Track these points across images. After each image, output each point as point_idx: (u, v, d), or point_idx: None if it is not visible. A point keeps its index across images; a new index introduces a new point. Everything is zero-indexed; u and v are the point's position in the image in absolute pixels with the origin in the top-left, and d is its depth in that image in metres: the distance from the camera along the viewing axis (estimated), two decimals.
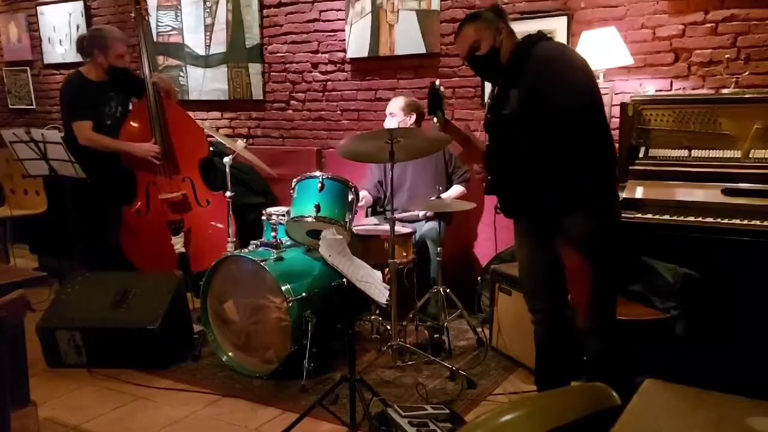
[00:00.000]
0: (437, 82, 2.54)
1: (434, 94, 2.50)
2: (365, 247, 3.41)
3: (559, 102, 2.24)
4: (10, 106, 6.83)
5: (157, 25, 5.58)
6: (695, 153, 3.12)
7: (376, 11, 4.49)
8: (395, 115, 3.99)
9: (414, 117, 4.03)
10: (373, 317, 3.67)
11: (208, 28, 5.32)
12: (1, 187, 5.63)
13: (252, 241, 3.54)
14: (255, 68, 5.16)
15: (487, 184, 2.56)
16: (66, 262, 4.40)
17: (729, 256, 2.84)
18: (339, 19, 4.72)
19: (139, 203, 4.18)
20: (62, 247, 4.45)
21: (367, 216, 4.26)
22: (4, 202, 5.58)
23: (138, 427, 2.90)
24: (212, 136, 4.33)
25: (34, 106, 6.65)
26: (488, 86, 4.14)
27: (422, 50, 4.36)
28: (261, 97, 5.20)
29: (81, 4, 6.00)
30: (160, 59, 5.60)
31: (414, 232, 3.68)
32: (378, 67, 4.62)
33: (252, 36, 5.13)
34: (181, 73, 5.51)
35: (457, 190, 4.03)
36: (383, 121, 4.21)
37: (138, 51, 4.26)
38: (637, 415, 1.36)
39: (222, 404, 3.09)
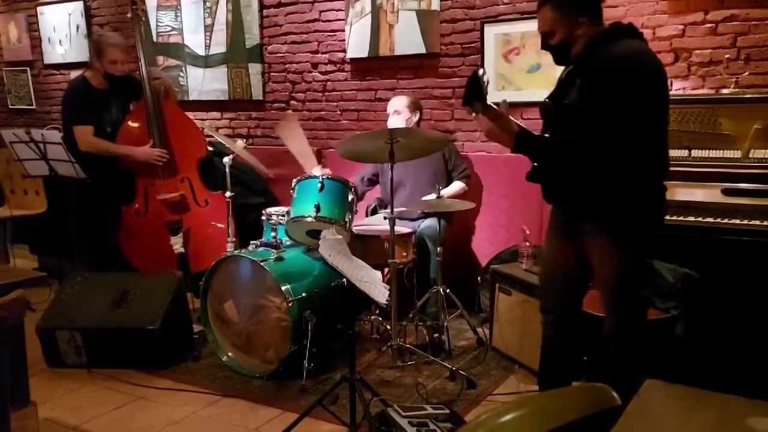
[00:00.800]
0: (481, 70, 2.30)
1: (474, 83, 2.27)
2: (365, 247, 3.40)
3: (621, 110, 2.13)
4: (10, 107, 6.83)
5: (157, 25, 5.57)
6: (695, 153, 3.13)
7: (376, 11, 4.49)
8: (401, 112, 3.99)
9: (418, 115, 4.03)
10: (373, 317, 3.67)
11: (208, 29, 5.32)
12: (1, 187, 5.63)
13: (252, 241, 3.54)
14: (255, 68, 5.16)
15: (531, 169, 2.40)
16: (66, 262, 4.40)
17: (729, 256, 2.84)
18: (339, 20, 4.72)
19: (137, 204, 4.18)
20: (62, 247, 4.45)
21: (367, 215, 4.25)
22: (4, 202, 5.58)
23: (138, 427, 2.90)
24: (212, 136, 4.33)
25: (34, 107, 6.65)
26: (488, 87, 4.14)
27: (422, 50, 4.36)
28: (261, 98, 5.19)
29: (81, 4, 6.00)
30: (160, 59, 5.60)
31: (414, 232, 3.68)
32: (378, 67, 4.62)
33: (252, 36, 5.13)
34: (181, 74, 5.51)
35: (457, 186, 4.03)
36: (383, 121, 4.21)
37: (135, 52, 4.26)
38: (637, 416, 1.36)
39: (222, 404, 3.09)
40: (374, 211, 4.28)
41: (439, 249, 3.56)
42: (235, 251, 3.56)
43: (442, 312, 3.58)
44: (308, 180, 3.36)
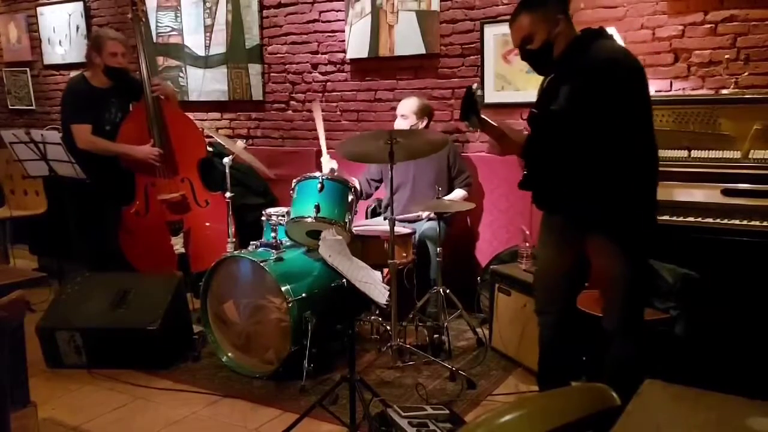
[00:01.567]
0: (474, 85, 2.36)
1: (469, 99, 2.31)
2: (365, 247, 3.41)
3: (605, 111, 2.15)
4: (10, 107, 6.83)
5: (157, 26, 5.58)
6: (695, 153, 3.13)
7: (376, 12, 4.49)
8: (407, 117, 3.98)
9: (426, 121, 4.02)
10: (372, 318, 3.67)
11: (208, 29, 5.32)
12: (1, 187, 5.63)
13: (252, 242, 3.54)
14: (255, 69, 5.16)
15: (523, 178, 2.43)
16: (66, 262, 4.40)
17: (728, 257, 2.84)
18: (339, 20, 4.72)
19: (138, 204, 4.18)
20: (62, 247, 4.45)
21: (367, 217, 4.26)
22: (4, 202, 5.58)
23: (138, 427, 2.90)
24: (212, 137, 4.33)
25: (33, 107, 6.65)
26: (488, 87, 4.14)
27: (422, 51, 4.36)
28: (261, 98, 5.20)
29: (81, 4, 6.00)
30: (160, 60, 5.60)
31: (414, 233, 3.68)
32: (378, 67, 4.62)
33: (252, 37, 5.13)
34: (181, 74, 5.51)
35: (458, 194, 4.02)
36: (383, 121, 4.21)
37: (136, 52, 4.26)
38: (636, 416, 1.36)
39: (222, 405, 3.09)
40: (374, 212, 4.28)
41: (438, 249, 3.56)
42: (235, 252, 3.56)
43: (441, 312, 3.58)
44: (308, 180, 3.36)
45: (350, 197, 3.35)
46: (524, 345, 3.27)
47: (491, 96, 4.10)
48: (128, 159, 4.10)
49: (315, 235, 3.14)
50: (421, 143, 3.30)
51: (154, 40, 5.58)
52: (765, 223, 2.80)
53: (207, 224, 4.23)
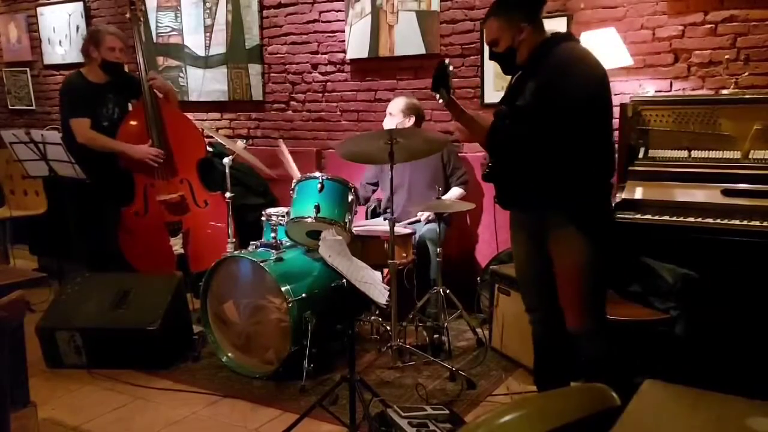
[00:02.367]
0: (447, 60, 2.47)
1: (441, 72, 2.44)
2: (365, 247, 3.41)
3: (566, 104, 2.25)
4: (10, 107, 6.83)
5: (157, 26, 5.58)
6: (695, 154, 3.13)
7: (376, 12, 4.49)
8: (394, 115, 4.00)
9: (413, 119, 4.03)
10: (372, 318, 3.67)
11: (208, 29, 5.32)
12: (1, 187, 5.63)
13: (252, 242, 3.54)
14: (255, 69, 5.16)
15: (488, 170, 2.55)
16: (65, 262, 4.40)
17: (728, 257, 2.84)
18: (339, 20, 4.72)
19: (137, 204, 4.18)
20: (62, 247, 4.45)
21: (367, 218, 4.26)
22: (4, 202, 5.58)
23: (138, 427, 2.90)
24: (212, 137, 4.33)
25: (33, 107, 6.65)
26: (488, 87, 4.15)
27: (422, 51, 4.36)
28: (261, 98, 5.20)
29: (81, 4, 6.00)
30: (160, 60, 5.60)
31: (414, 233, 3.68)
32: (378, 67, 4.62)
33: (252, 37, 5.13)
34: (181, 74, 5.51)
35: (456, 192, 4.02)
36: (383, 121, 4.21)
37: (134, 52, 4.26)
38: (636, 416, 1.36)
39: (222, 405, 3.09)
40: (374, 212, 4.28)
41: (438, 250, 3.57)
42: (235, 252, 3.56)
43: (441, 313, 3.58)
44: (308, 181, 3.36)
45: (350, 197, 3.35)
46: (524, 345, 3.26)
47: (491, 96, 4.10)
48: (126, 158, 4.09)
49: (315, 235, 3.14)
50: (421, 143, 3.30)
51: (154, 41, 5.58)
52: (765, 224, 2.80)
53: (207, 224, 4.23)
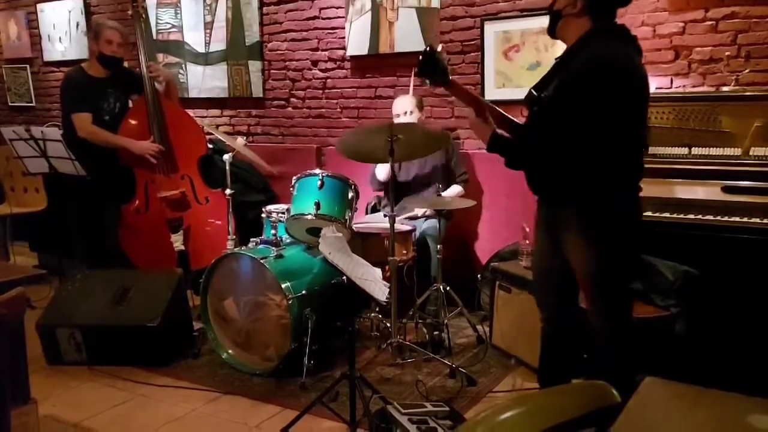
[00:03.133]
0: (439, 47, 2.43)
1: (430, 57, 2.38)
2: (365, 244, 3.41)
3: (581, 107, 2.17)
4: (10, 104, 6.83)
5: (157, 23, 5.57)
6: (695, 150, 3.12)
7: (376, 9, 4.49)
8: (413, 112, 3.97)
9: (424, 114, 4.04)
10: (372, 315, 3.67)
11: (208, 26, 5.32)
12: (1, 184, 5.63)
13: (252, 239, 3.54)
14: (255, 66, 5.16)
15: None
16: (66, 259, 4.40)
17: (729, 254, 2.84)
18: (339, 17, 4.72)
19: (138, 201, 4.18)
20: (62, 244, 4.45)
21: (367, 214, 4.25)
22: (4, 199, 5.58)
23: (138, 424, 2.90)
24: (212, 134, 4.32)
25: (33, 104, 6.65)
26: (488, 84, 4.14)
27: (422, 47, 4.33)
28: (261, 95, 5.19)
29: (80, 1, 6.00)
30: (160, 57, 5.59)
31: (414, 230, 3.68)
32: (378, 64, 4.61)
33: (252, 33, 5.12)
34: (181, 71, 5.50)
35: (455, 190, 4.02)
36: (383, 118, 4.21)
37: (136, 49, 4.26)
38: (637, 413, 1.36)
39: (222, 401, 3.09)
40: (374, 209, 4.28)
41: (439, 247, 3.56)
42: (235, 249, 3.56)
43: (442, 309, 3.58)
44: (308, 177, 3.36)
45: (350, 194, 3.35)
46: (524, 342, 3.27)
47: (492, 93, 4.10)
48: (127, 154, 4.09)
49: (315, 232, 3.14)
50: (422, 140, 3.29)
51: (154, 37, 5.57)
52: (765, 221, 2.80)
53: (208, 221, 4.23)
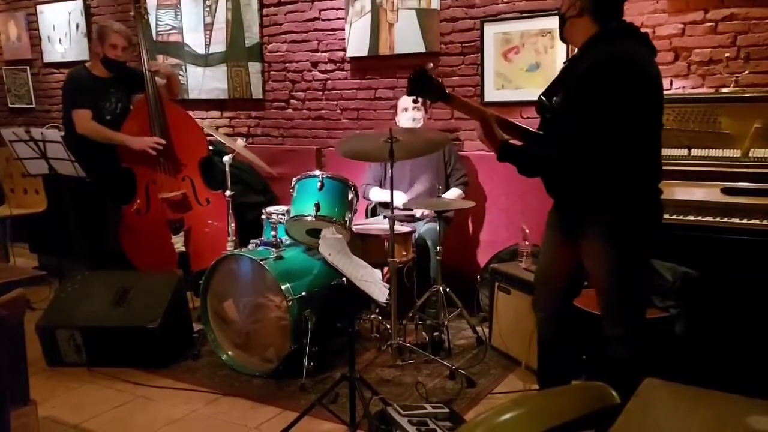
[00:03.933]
0: (430, 65, 2.45)
1: (422, 75, 2.38)
2: (365, 245, 3.40)
3: (590, 113, 2.14)
4: (10, 105, 6.83)
5: (157, 24, 5.57)
6: (695, 152, 3.13)
7: (376, 10, 4.49)
8: (420, 109, 3.95)
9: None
10: (372, 316, 3.67)
11: (208, 27, 5.32)
12: (0, 186, 5.63)
13: (252, 240, 3.54)
14: (255, 67, 5.16)
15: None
16: (65, 260, 4.40)
17: (728, 255, 2.84)
18: (339, 18, 4.72)
19: (138, 202, 4.18)
20: (62, 245, 4.45)
21: (367, 216, 4.25)
22: (4, 201, 5.58)
23: (138, 425, 2.90)
24: (212, 135, 4.33)
25: (33, 105, 6.64)
26: (488, 86, 4.14)
27: (422, 49, 4.36)
28: (261, 96, 5.19)
29: (80, 2, 6.00)
30: (160, 58, 5.58)
31: (414, 232, 3.68)
32: (378, 66, 4.61)
33: (252, 35, 5.12)
34: (181, 72, 5.50)
35: (455, 193, 4.01)
36: (383, 120, 4.21)
37: (138, 49, 4.27)
38: (636, 414, 1.36)
39: (222, 403, 3.09)
40: (374, 211, 4.28)
41: (438, 248, 3.57)
42: (235, 250, 3.56)
43: (441, 311, 3.58)
44: (308, 179, 3.36)
45: (350, 196, 3.35)
46: (524, 343, 3.27)
47: (491, 94, 4.11)
48: (127, 154, 4.09)
49: (315, 233, 3.14)
50: (421, 142, 3.30)
51: (154, 39, 5.57)
52: (765, 222, 2.80)
53: (208, 222, 4.23)
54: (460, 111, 2.55)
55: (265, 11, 5.06)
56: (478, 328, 3.72)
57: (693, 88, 3.53)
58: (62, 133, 4.13)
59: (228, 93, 5.33)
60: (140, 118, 4.16)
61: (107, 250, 4.21)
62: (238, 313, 3.39)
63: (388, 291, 2.67)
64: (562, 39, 2.45)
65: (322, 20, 4.82)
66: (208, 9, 5.28)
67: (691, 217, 2.96)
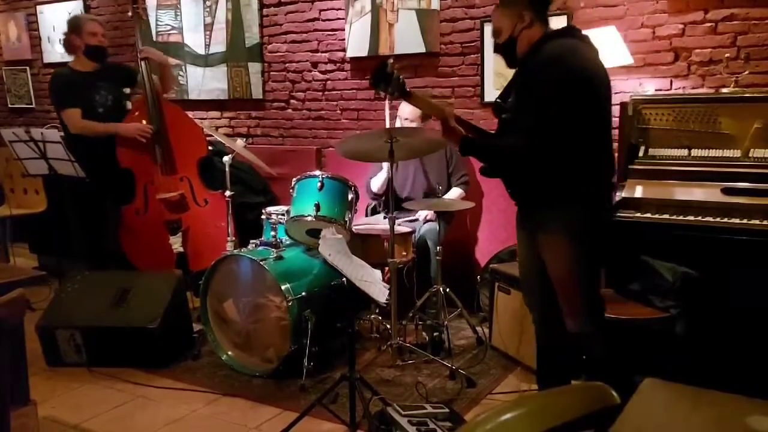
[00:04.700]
0: (390, 60, 2.55)
1: (380, 71, 2.49)
2: (365, 246, 3.40)
3: (543, 108, 2.22)
4: (10, 106, 6.83)
5: (157, 25, 5.57)
6: (695, 152, 3.12)
7: (376, 10, 4.49)
8: (414, 121, 3.95)
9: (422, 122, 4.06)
10: (372, 316, 3.67)
11: (208, 28, 5.32)
12: (0, 186, 5.63)
13: (252, 240, 3.54)
14: (255, 67, 5.16)
15: (483, 166, 2.55)
16: (65, 261, 4.40)
17: (728, 255, 2.84)
18: (339, 18, 4.72)
19: (137, 202, 4.18)
20: (62, 246, 4.45)
21: (367, 216, 4.25)
22: (4, 201, 5.58)
23: (138, 426, 2.90)
24: (212, 136, 4.33)
25: (33, 106, 6.64)
26: (488, 85, 4.15)
27: (422, 50, 4.36)
28: (261, 97, 5.19)
29: (80, 3, 6.00)
30: None
31: (413, 232, 3.68)
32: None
33: (252, 35, 5.12)
34: (181, 73, 5.50)
35: (456, 193, 4.02)
36: (383, 120, 4.20)
37: (136, 50, 4.27)
38: (636, 414, 1.36)
39: (221, 403, 3.09)
40: (374, 211, 4.28)
41: (438, 248, 3.57)
42: (235, 250, 3.56)
43: (441, 311, 3.58)
44: (308, 179, 3.36)
45: (350, 196, 3.35)
46: (524, 343, 3.28)
47: (491, 95, 4.10)
48: (126, 155, 4.08)
49: (315, 233, 3.14)
50: (421, 143, 3.29)
51: (154, 39, 5.57)
52: (765, 222, 2.80)
53: (207, 223, 4.23)
54: (421, 108, 2.65)
55: (265, 11, 5.06)
56: (478, 329, 3.72)
57: (693, 88, 3.53)
58: (62, 134, 4.14)
59: (228, 93, 5.33)
60: (138, 118, 4.15)
61: (107, 251, 4.21)
62: (238, 313, 3.39)
63: (388, 291, 2.67)
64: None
65: (322, 20, 4.82)
66: (208, 9, 5.28)
67: (691, 218, 2.96)
